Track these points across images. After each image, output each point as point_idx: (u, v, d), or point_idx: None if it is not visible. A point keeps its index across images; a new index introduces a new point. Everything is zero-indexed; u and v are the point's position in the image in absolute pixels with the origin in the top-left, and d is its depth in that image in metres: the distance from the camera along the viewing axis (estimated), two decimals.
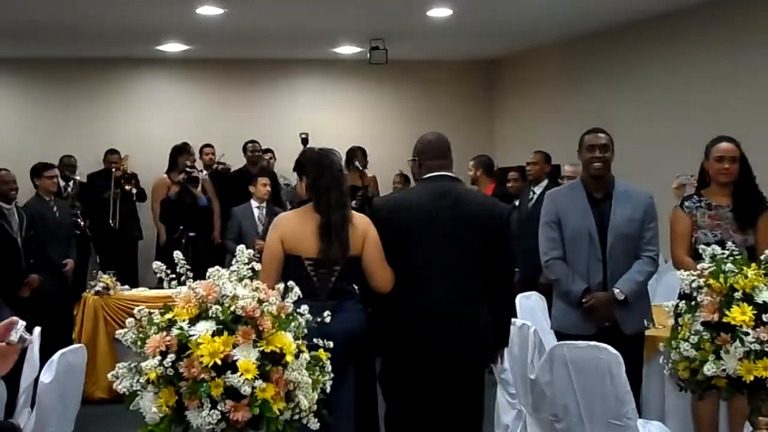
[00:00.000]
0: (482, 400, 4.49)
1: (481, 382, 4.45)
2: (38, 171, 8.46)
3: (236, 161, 10.72)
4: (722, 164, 5.06)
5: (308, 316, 3.36)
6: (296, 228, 4.25)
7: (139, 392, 3.15)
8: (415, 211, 4.38)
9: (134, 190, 10.50)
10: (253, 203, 8.92)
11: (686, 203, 5.18)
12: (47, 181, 8.38)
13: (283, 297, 3.33)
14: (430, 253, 4.31)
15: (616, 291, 4.80)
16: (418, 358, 4.29)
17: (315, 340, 3.36)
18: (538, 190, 7.89)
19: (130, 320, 3.25)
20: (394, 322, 4.36)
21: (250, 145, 10.61)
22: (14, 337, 2.84)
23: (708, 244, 4.35)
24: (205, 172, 9.85)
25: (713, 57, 9.11)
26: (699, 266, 3.76)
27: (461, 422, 4.41)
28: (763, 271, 3.61)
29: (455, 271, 4.33)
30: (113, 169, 10.48)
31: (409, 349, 4.31)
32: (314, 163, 4.42)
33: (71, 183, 10.26)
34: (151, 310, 3.25)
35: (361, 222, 4.36)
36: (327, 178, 4.33)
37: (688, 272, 3.74)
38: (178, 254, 3.36)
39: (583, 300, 4.82)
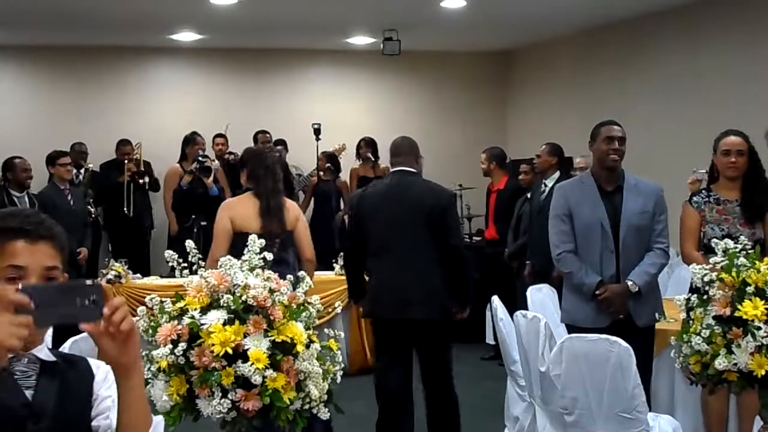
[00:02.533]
0: (443, 353, 5.45)
1: (436, 336, 5.37)
2: (52, 159, 8.53)
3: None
4: (729, 158, 5.07)
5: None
6: (242, 210, 5.30)
7: (150, 380, 3.16)
8: (373, 201, 5.51)
9: (146, 179, 10.51)
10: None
11: (694, 198, 5.18)
12: (61, 168, 8.44)
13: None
14: (384, 233, 5.38)
15: (630, 283, 4.79)
16: (376, 316, 5.52)
17: None
18: (549, 182, 7.84)
19: (141, 309, 3.26)
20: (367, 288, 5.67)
21: (260, 135, 10.63)
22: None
23: (716, 238, 4.36)
24: (217, 162, 9.86)
25: (726, 49, 9.07)
26: (711, 260, 3.75)
27: (426, 369, 5.47)
28: None
29: (405, 247, 5.35)
30: (126, 161, 10.50)
31: (370, 309, 5.60)
32: (253, 157, 5.59)
33: (83, 171, 10.29)
34: (163, 299, 3.26)
35: (293, 206, 5.54)
36: (262, 169, 5.40)
37: (700, 266, 3.73)
38: (190, 243, 3.38)
39: (597, 292, 4.81)
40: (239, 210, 5.34)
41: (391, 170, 5.61)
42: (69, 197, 8.46)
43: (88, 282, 2.01)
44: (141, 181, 10.40)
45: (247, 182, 5.53)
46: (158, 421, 2.21)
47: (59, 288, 2.02)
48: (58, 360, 2.26)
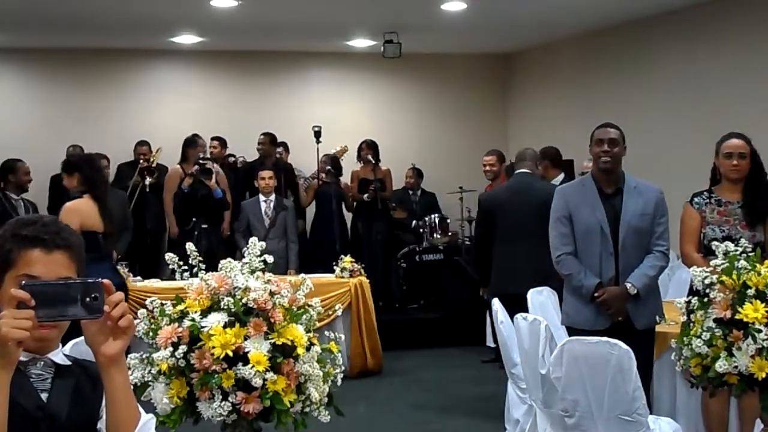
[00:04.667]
0: None
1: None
2: None
3: (250, 154, 10.73)
4: (731, 161, 5.08)
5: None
6: (88, 212, 5.97)
7: (150, 383, 3.17)
8: (498, 196, 7.10)
9: (149, 180, 10.46)
10: (261, 197, 8.95)
11: (696, 199, 5.19)
12: None
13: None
14: (506, 224, 6.72)
15: (629, 285, 4.78)
16: (500, 293, 6.20)
17: None
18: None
19: (142, 311, 3.26)
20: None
21: (261, 137, 10.58)
22: None
23: (716, 240, 4.35)
24: (217, 164, 9.84)
25: (728, 51, 9.07)
26: (712, 263, 3.75)
27: None
28: None
29: (522, 235, 6.55)
30: (141, 161, 10.47)
31: (496, 288, 6.63)
32: (87, 163, 6.24)
33: None
34: (163, 302, 3.27)
35: None
36: (97, 174, 6.17)
37: (701, 269, 3.73)
38: (190, 246, 3.38)
39: (596, 294, 4.81)
40: (85, 212, 5.99)
41: (516, 172, 6.94)
42: None
43: (90, 279, 2.04)
44: (149, 180, 10.32)
45: (80, 186, 6.17)
46: (148, 418, 2.22)
47: (61, 285, 2.03)
48: (72, 364, 2.28)
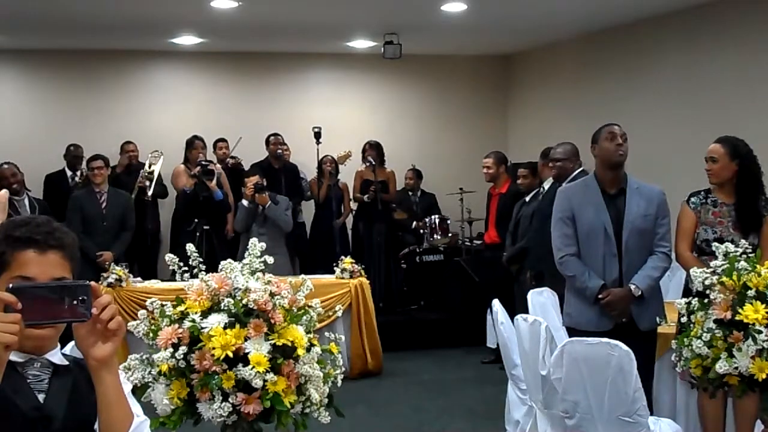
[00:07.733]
0: None
1: None
2: (88, 162, 8.68)
3: (249, 154, 10.72)
4: (706, 165, 5.13)
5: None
6: None
7: (150, 384, 3.16)
8: None
9: (148, 197, 10.37)
10: (244, 201, 8.88)
11: (692, 199, 5.20)
12: (90, 172, 8.56)
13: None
14: None
15: (633, 287, 4.78)
16: None
17: None
18: (546, 185, 7.82)
19: (142, 312, 3.26)
20: None
21: (272, 137, 10.55)
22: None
23: (707, 241, 4.34)
24: (219, 166, 9.84)
25: (728, 52, 9.07)
26: (712, 263, 3.75)
27: None
28: None
29: None
30: (139, 178, 10.32)
31: None
32: None
33: (78, 173, 10.27)
34: (164, 302, 3.26)
35: None
36: None
37: (701, 270, 3.73)
38: (190, 247, 3.37)
39: (600, 296, 4.80)
40: None
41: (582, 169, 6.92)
42: (102, 200, 8.50)
43: (77, 282, 2.03)
44: (145, 198, 10.27)
45: None
46: (141, 420, 2.21)
47: (48, 288, 2.02)
48: (70, 364, 2.27)
